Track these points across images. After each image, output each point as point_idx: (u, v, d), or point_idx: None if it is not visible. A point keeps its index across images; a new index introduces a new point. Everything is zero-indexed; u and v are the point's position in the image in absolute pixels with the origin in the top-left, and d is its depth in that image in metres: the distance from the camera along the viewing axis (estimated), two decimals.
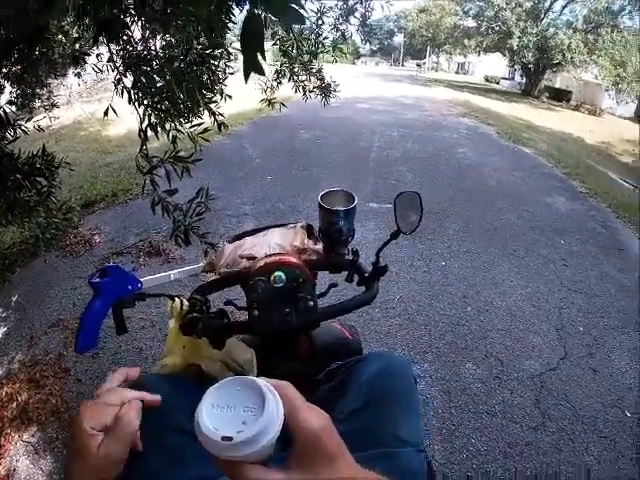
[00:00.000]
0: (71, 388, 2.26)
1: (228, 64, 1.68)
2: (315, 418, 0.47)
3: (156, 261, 3.43)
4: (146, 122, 1.18)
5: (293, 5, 0.45)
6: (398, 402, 0.82)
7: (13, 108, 2.37)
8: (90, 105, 9.28)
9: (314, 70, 2.13)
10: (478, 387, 2.32)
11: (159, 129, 1.29)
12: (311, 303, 0.85)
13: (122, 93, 1.27)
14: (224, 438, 0.41)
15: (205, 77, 1.35)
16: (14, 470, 1.87)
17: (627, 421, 2.18)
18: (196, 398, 0.82)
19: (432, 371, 2.39)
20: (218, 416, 0.44)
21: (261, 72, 0.48)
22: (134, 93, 1.20)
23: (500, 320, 2.88)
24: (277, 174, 5.56)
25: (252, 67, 0.48)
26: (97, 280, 0.77)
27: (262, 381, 0.46)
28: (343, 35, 2.11)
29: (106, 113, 1.35)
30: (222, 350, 0.92)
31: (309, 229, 1.07)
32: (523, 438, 2.04)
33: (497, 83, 26.24)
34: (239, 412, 0.44)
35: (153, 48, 1.39)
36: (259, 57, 0.48)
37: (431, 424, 2.05)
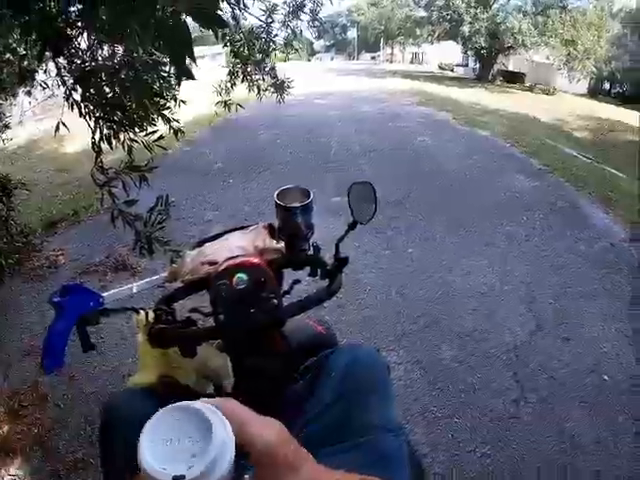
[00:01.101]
0: (51, 414, 2.21)
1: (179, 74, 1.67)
2: (268, 429, 0.43)
3: (123, 276, 3.36)
4: (98, 135, 1.16)
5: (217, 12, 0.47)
6: (370, 391, 0.83)
7: None
8: (43, 123, 8.97)
9: (267, 69, 2.13)
10: (455, 366, 2.37)
11: (113, 140, 1.28)
12: (275, 301, 0.86)
13: (72, 107, 1.24)
14: (176, 477, 0.36)
15: (156, 84, 1.34)
16: None
17: (605, 385, 2.26)
18: None
19: (409, 357, 2.42)
20: (163, 452, 0.38)
21: (192, 77, 0.48)
22: (84, 106, 1.18)
23: (470, 300, 2.95)
24: (239, 177, 5.53)
25: (183, 73, 0.49)
26: (57, 299, 0.77)
27: (201, 404, 0.42)
28: (293, 32, 2.12)
29: (57, 129, 1.33)
30: (195, 358, 0.92)
31: (271, 229, 1.08)
32: (506, 412, 2.09)
33: (452, 70, 26.58)
34: (184, 444, 0.39)
35: (100, 59, 1.37)
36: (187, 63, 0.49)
37: (412, 409, 2.09)
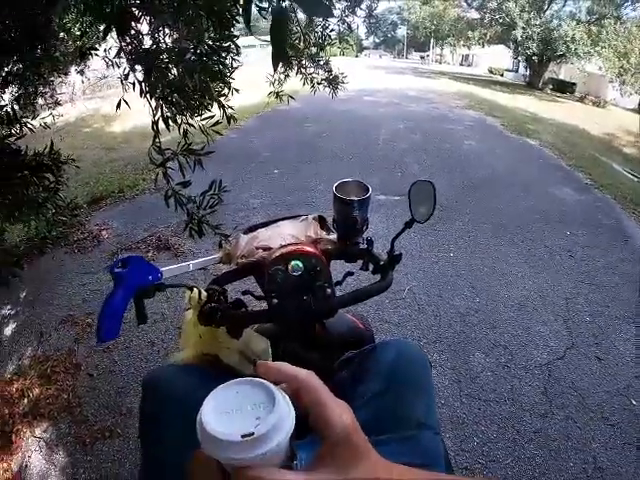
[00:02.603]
0: (83, 383, 2.27)
1: (235, 58, 1.69)
2: (346, 414, 0.43)
3: (165, 255, 3.45)
4: (158, 115, 1.18)
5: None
6: (415, 387, 0.84)
7: (16, 107, 2.38)
8: (93, 102, 9.31)
9: (322, 62, 2.13)
10: (487, 376, 2.34)
11: (170, 122, 1.30)
12: (329, 291, 0.86)
13: (134, 86, 1.27)
14: (244, 435, 0.37)
15: (216, 69, 1.35)
16: (26, 466, 1.89)
17: (633, 409, 2.20)
18: (215, 387, 0.84)
19: (442, 360, 2.41)
20: (225, 420, 0.39)
21: (288, 61, 0.48)
22: (146, 86, 1.20)
23: (508, 310, 2.89)
24: (284, 168, 5.56)
25: (280, 57, 0.48)
26: (119, 270, 0.78)
27: (259, 378, 0.42)
28: (349, 27, 2.11)
29: (118, 106, 1.36)
30: (239, 340, 0.93)
31: (321, 220, 1.08)
32: (532, 426, 2.06)
33: (501, 75, 26.04)
34: (247, 411, 0.40)
35: (163, 41, 1.40)
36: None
37: (441, 412, 2.07)
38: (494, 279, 3.25)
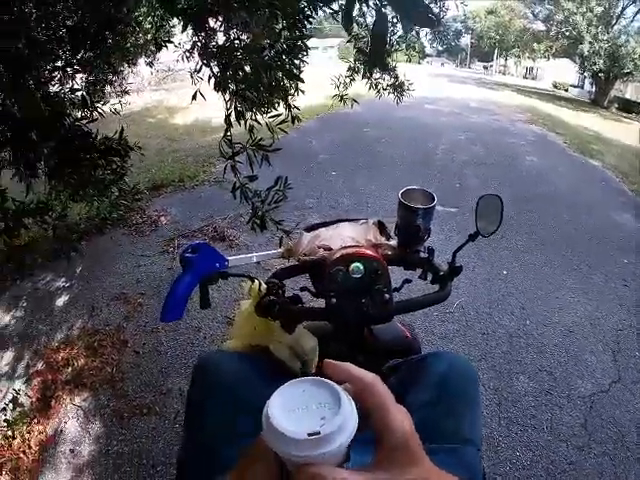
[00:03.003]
0: (127, 359, 2.36)
1: (303, 59, 1.72)
2: (407, 419, 0.44)
3: (220, 246, 3.52)
4: (231, 108, 1.22)
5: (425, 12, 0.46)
6: (464, 401, 0.83)
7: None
8: (158, 94, 9.72)
9: (389, 68, 2.12)
10: (529, 401, 2.26)
11: (242, 117, 1.34)
12: (387, 296, 0.86)
13: (209, 80, 1.32)
14: (310, 434, 0.37)
15: (290, 67, 1.38)
16: (61, 431, 1.98)
17: None
18: (266, 378, 0.86)
19: (485, 380, 2.35)
20: (291, 417, 0.40)
21: (385, 67, 0.49)
22: (221, 80, 1.24)
23: (557, 335, 2.78)
24: (342, 170, 5.60)
25: (378, 62, 0.49)
26: (189, 255, 0.82)
27: (325, 379, 0.43)
28: (418, 34, 2.10)
29: (194, 97, 1.41)
30: (291, 335, 0.95)
31: (381, 225, 1.08)
32: (567, 457, 1.98)
33: (566, 90, 25.00)
34: (312, 410, 0.40)
35: (238, 38, 1.45)
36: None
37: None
38: (546, 302, 3.13)
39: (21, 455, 1.85)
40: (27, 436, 1.93)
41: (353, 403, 0.42)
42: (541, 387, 2.35)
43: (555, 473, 1.90)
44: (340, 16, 1.61)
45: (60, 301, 2.85)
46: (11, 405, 2.01)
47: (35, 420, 2.01)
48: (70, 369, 2.26)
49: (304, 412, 0.40)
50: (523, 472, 1.90)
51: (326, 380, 0.43)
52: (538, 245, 3.99)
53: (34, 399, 2.12)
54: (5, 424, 1.95)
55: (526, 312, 2.99)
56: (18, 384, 2.20)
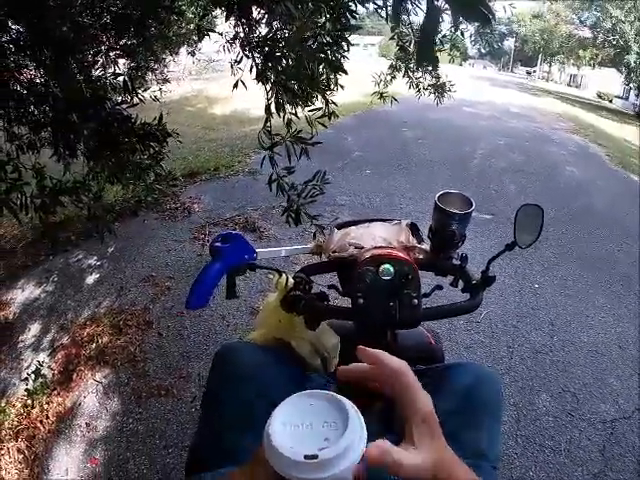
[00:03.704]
0: (151, 340, 2.41)
1: (344, 55, 1.70)
2: (429, 400, 0.51)
3: (250, 237, 3.55)
4: (273, 99, 1.22)
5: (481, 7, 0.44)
6: (486, 415, 0.82)
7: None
8: (198, 83, 9.88)
9: (430, 68, 2.08)
10: (548, 420, 2.19)
11: (282, 109, 1.33)
12: (415, 301, 0.84)
13: (250, 70, 1.32)
14: (307, 457, 0.36)
15: (333, 60, 1.37)
16: (79, 404, 2.03)
17: None
18: (285, 372, 0.85)
19: (506, 395, 2.29)
20: (293, 434, 0.39)
21: (435, 62, 0.47)
22: (263, 70, 1.24)
23: (584, 355, 2.69)
24: (376, 169, 5.56)
25: (426, 57, 0.47)
26: (219, 244, 0.82)
27: (341, 396, 0.42)
28: (462, 34, 2.05)
29: (235, 86, 1.42)
30: (314, 332, 0.94)
31: (413, 228, 1.06)
32: None
33: (610, 101, 24.08)
34: (318, 429, 0.39)
35: (281, 29, 1.44)
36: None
37: None
38: (575, 320, 3.03)
39: (38, 424, 1.91)
40: (46, 407, 1.98)
41: (363, 424, 0.40)
42: (562, 407, 2.28)
43: None
44: (385, 12, 1.58)
45: (90, 279, 2.92)
46: (33, 376, 2.07)
47: (55, 392, 2.07)
48: (94, 345, 2.32)
49: (308, 430, 0.40)
50: None
51: (337, 396, 0.43)
52: (572, 260, 3.87)
53: (56, 372, 2.18)
54: (26, 393, 2.01)
55: (554, 328, 2.90)
56: (42, 356, 2.27)
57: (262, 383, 0.79)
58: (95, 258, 3.14)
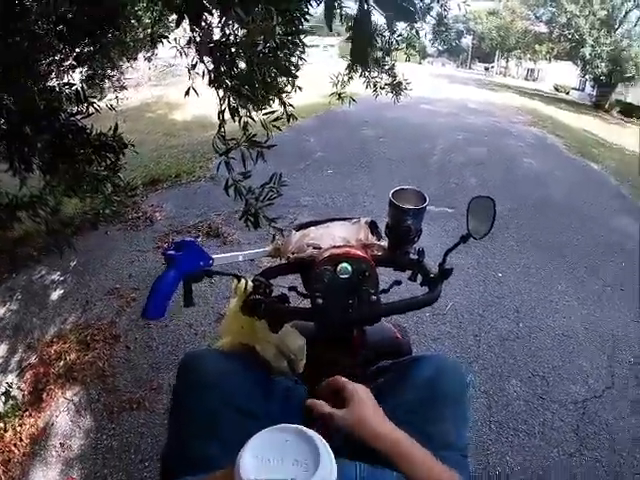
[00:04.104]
0: (119, 354, 2.37)
1: (301, 56, 1.70)
2: (358, 385, 0.76)
3: (214, 242, 3.54)
4: (225, 105, 1.21)
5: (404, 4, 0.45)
6: (450, 406, 0.83)
7: (84, 87, 2.50)
8: (158, 89, 9.71)
9: (387, 67, 2.11)
10: (520, 405, 2.25)
11: (236, 113, 1.32)
12: (374, 297, 0.85)
13: (203, 76, 1.30)
14: None
15: (285, 64, 1.37)
16: (52, 424, 1.98)
17: None
18: (251, 378, 0.85)
19: (476, 383, 2.34)
20: (262, 468, 0.39)
21: (366, 64, 0.47)
22: (215, 76, 1.23)
23: (550, 340, 2.77)
24: (338, 169, 5.59)
25: (359, 58, 0.48)
26: (172, 253, 0.80)
27: (315, 433, 0.43)
28: (417, 33, 2.08)
29: (187, 93, 1.40)
30: (277, 335, 0.94)
31: (372, 225, 1.07)
32: (558, 463, 1.97)
33: (567, 93, 24.94)
34: (288, 466, 0.39)
35: (233, 34, 1.43)
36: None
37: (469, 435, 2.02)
38: (540, 305, 3.12)
39: (12, 448, 1.86)
40: (19, 429, 1.94)
41: (333, 457, 0.41)
42: (533, 391, 2.34)
43: (545, 479, 1.90)
44: (339, 13, 1.59)
45: (54, 295, 2.85)
46: (3, 398, 2.02)
47: (27, 413, 2.02)
48: (62, 363, 2.27)
49: (278, 465, 0.40)
50: (513, 478, 1.89)
51: (312, 435, 0.43)
52: (534, 248, 3.98)
53: (26, 392, 2.13)
54: None
55: (520, 315, 2.98)
56: (11, 377, 2.21)
57: (226, 390, 0.79)
58: (58, 273, 3.05)
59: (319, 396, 0.77)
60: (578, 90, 24.60)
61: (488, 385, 2.34)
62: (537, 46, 21.76)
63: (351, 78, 2.15)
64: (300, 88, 1.72)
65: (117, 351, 2.39)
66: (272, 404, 0.84)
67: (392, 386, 0.89)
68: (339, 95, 2.20)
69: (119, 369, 2.27)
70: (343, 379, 0.77)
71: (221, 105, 1.23)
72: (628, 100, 19.94)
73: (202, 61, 1.43)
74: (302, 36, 1.52)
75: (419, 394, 0.83)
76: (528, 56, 24.51)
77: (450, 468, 0.70)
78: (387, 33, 2.05)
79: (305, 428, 0.43)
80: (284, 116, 1.56)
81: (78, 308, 2.71)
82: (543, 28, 22.07)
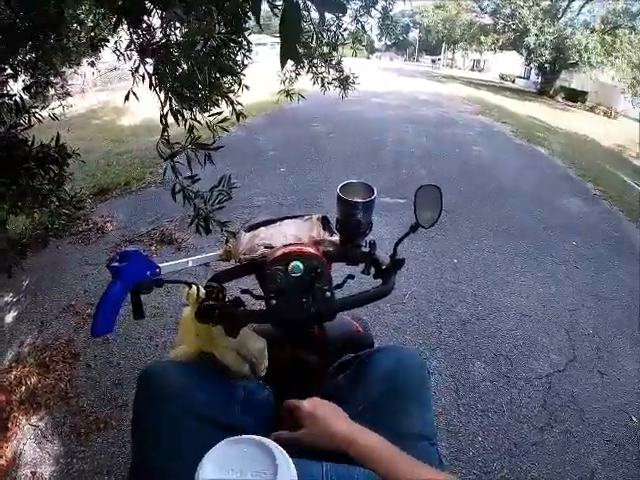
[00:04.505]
0: (80, 373, 2.27)
1: (246, 55, 1.67)
2: (310, 400, 0.79)
3: (168, 249, 3.46)
4: (167, 108, 1.17)
5: None
6: (412, 396, 0.83)
7: (26, 96, 2.39)
8: (104, 94, 9.36)
9: (333, 62, 2.11)
10: (486, 385, 2.31)
11: (179, 117, 1.29)
12: (328, 294, 0.84)
13: (143, 79, 1.26)
14: None
15: (226, 63, 1.34)
16: (21, 454, 1.89)
17: (633, 426, 2.17)
18: (212, 386, 0.83)
19: (441, 368, 2.39)
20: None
21: (298, 59, 0.47)
22: (155, 79, 1.19)
23: (510, 320, 2.87)
24: (290, 167, 5.56)
25: (290, 54, 0.47)
26: (116, 265, 0.77)
27: (273, 443, 0.43)
28: (363, 27, 2.09)
29: (127, 97, 1.36)
30: (236, 339, 0.92)
31: (324, 221, 1.06)
32: (529, 438, 2.04)
33: (513, 82, 25.89)
34: (247, 477, 0.40)
35: (174, 34, 1.39)
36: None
37: (439, 420, 2.06)
38: (497, 288, 3.22)
39: None
40: None
41: (292, 466, 0.42)
42: (498, 371, 2.41)
43: (519, 455, 1.95)
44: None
45: (9, 317, 2.71)
46: None
47: None
48: (24, 388, 2.17)
49: (238, 477, 0.40)
50: (487, 456, 1.94)
51: (270, 446, 0.43)
52: (487, 233, 4.10)
53: None
54: None
55: (478, 299, 3.06)
56: None
57: (186, 400, 0.77)
58: (11, 295, 2.90)
59: (283, 420, 0.80)
60: (523, 78, 25.58)
61: (453, 369, 2.39)
62: (482, 37, 22.38)
63: (299, 75, 2.15)
64: (247, 87, 1.70)
65: (78, 370, 2.29)
66: (236, 409, 0.83)
67: (354, 381, 0.89)
68: (287, 92, 2.18)
69: (82, 389, 2.18)
70: (292, 401, 0.79)
71: (162, 108, 1.19)
72: (572, 86, 20.92)
73: (143, 63, 1.39)
74: (247, 33, 1.50)
75: (380, 387, 0.84)
76: (474, 47, 25.19)
77: (419, 457, 0.71)
78: (333, 28, 2.06)
79: (262, 438, 0.43)
80: (232, 116, 1.53)
81: (34, 329, 2.59)
82: (488, 20, 22.73)
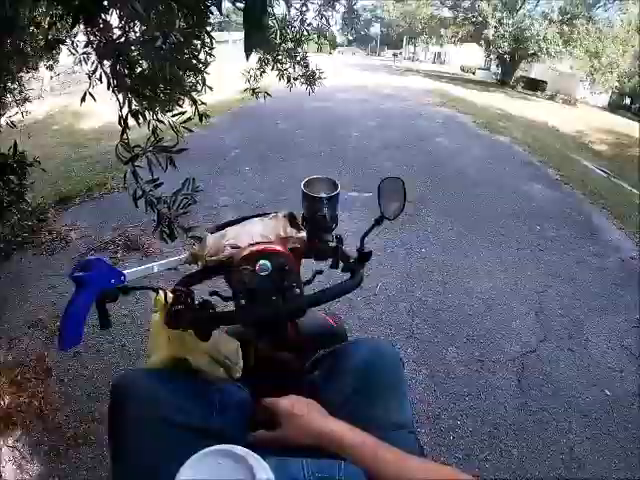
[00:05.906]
0: (54, 389, 2.21)
1: (209, 52, 1.64)
2: (288, 399, 0.78)
3: (134, 255, 3.39)
4: (126, 109, 1.14)
5: None
6: (387, 386, 0.85)
7: None
8: (62, 98, 9.04)
9: (298, 58, 2.10)
10: (461, 370, 2.37)
11: (140, 118, 1.25)
12: (297, 291, 0.85)
13: (100, 79, 1.22)
14: None
15: (188, 60, 1.31)
16: (0, 476, 1.82)
17: (607, 400, 2.26)
18: (186, 392, 0.83)
19: (416, 356, 2.43)
20: None
21: (266, 47, 0.46)
22: (113, 79, 1.15)
23: (480, 305, 2.94)
24: (256, 165, 5.53)
25: (255, 44, 0.46)
26: (79, 274, 0.75)
27: (245, 450, 0.43)
28: (327, 22, 2.08)
29: (83, 99, 1.31)
30: (208, 342, 0.91)
31: (291, 218, 1.06)
32: (507, 419, 2.10)
33: (473, 73, 26.37)
34: None
35: (132, 32, 1.35)
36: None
37: (417, 409, 2.09)
38: (466, 275, 3.29)
39: None
40: None
41: (270, 473, 0.41)
42: (472, 355, 2.47)
43: (499, 436, 2.00)
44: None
45: None
46: None
47: None
48: None
49: None
50: (467, 439, 1.98)
51: (243, 454, 0.42)
52: (453, 222, 4.18)
53: None
54: None
55: (448, 287, 3.13)
56: None
57: (160, 407, 0.76)
58: None
59: (261, 420, 0.80)
60: (484, 69, 26.08)
61: (427, 357, 2.44)
62: (443, 30, 22.74)
63: (264, 72, 2.13)
64: (211, 88, 1.67)
65: (51, 386, 2.22)
66: (212, 413, 0.82)
67: (329, 376, 0.90)
68: (253, 90, 2.16)
69: (57, 405, 2.12)
70: (269, 400, 0.79)
71: (121, 109, 1.15)
72: (531, 75, 21.48)
73: (101, 64, 1.35)
74: (209, 29, 1.47)
75: (355, 380, 0.85)
76: (434, 40, 25.59)
77: (399, 446, 0.72)
78: (297, 23, 2.05)
79: (236, 447, 0.43)
80: (196, 116, 1.50)
81: (3, 346, 2.48)
82: (447, 13, 23.06)
